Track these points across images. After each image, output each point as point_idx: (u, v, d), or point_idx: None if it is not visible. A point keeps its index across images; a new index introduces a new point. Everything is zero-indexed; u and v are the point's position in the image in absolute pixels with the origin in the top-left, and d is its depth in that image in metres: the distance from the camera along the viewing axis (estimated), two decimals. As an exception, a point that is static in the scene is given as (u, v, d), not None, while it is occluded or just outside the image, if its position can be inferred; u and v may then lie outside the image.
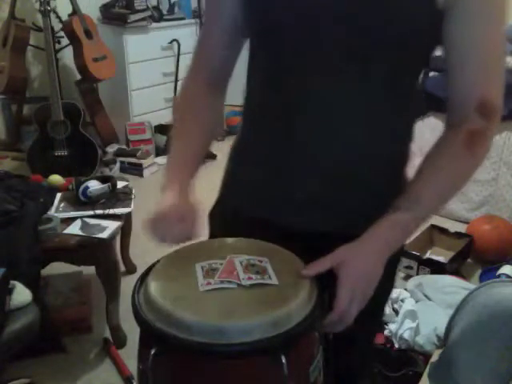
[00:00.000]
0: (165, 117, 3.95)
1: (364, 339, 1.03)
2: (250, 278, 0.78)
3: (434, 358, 1.69)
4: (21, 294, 1.59)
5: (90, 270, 2.12)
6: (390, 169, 0.92)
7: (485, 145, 0.84)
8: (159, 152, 3.94)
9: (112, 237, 1.98)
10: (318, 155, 0.88)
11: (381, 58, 0.81)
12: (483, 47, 0.80)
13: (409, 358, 1.87)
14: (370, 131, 0.86)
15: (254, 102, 0.96)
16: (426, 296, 2.22)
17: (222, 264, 0.82)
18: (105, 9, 3.87)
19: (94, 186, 2.12)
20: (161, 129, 3.96)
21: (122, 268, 2.42)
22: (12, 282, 1.60)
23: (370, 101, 0.84)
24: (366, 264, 0.80)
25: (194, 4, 4.33)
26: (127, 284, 1.82)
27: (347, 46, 0.81)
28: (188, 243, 0.89)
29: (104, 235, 1.94)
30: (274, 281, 0.78)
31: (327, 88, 0.84)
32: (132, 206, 2.16)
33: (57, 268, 2.18)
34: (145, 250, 2.44)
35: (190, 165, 0.94)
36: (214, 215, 1.04)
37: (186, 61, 3.63)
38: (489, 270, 2.53)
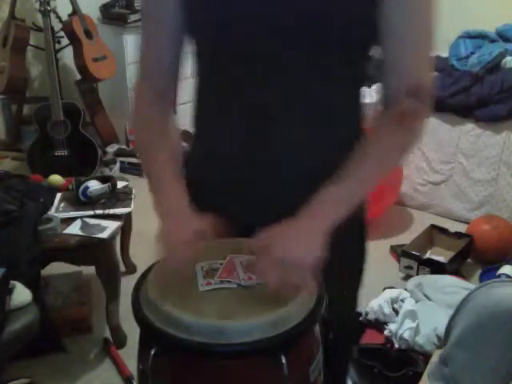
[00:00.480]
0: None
1: (343, 338, 1.03)
2: (250, 278, 0.78)
3: (434, 358, 1.69)
4: (21, 294, 1.60)
5: (90, 269, 2.13)
6: (346, 156, 0.94)
7: (417, 125, 0.90)
8: (159, 152, 3.93)
9: (112, 237, 1.98)
10: (276, 155, 0.90)
11: (327, 52, 0.85)
12: (415, 35, 0.86)
13: (409, 357, 1.87)
14: (325, 125, 0.90)
15: (205, 104, 0.97)
16: (426, 296, 2.22)
17: (222, 264, 0.82)
18: (105, 9, 3.87)
19: (94, 186, 2.12)
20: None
21: (122, 268, 2.42)
22: (12, 282, 1.60)
23: (322, 95, 0.88)
24: (301, 236, 0.78)
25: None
26: (127, 284, 1.82)
27: (294, 41, 0.84)
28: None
29: (104, 235, 1.94)
30: None
31: (278, 85, 0.87)
32: (132, 206, 2.16)
33: (57, 268, 2.18)
34: (145, 250, 2.44)
35: (177, 175, 0.92)
36: None
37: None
38: (489, 270, 2.53)
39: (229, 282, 0.78)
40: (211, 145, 0.97)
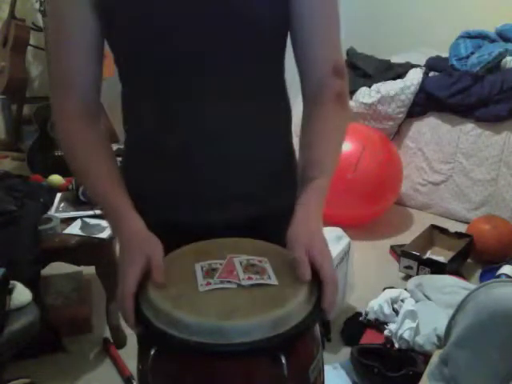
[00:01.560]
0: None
1: None
2: (249, 278, 0.78)
3: (434, 358, 1.69)
4: (21, 294, 1.59)
5: (90, 269, 2.12)
6: (282, 151, 1.02)
7: (347, 98, 0.97)
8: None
9: (112, 237, 1.98)
10: (217, 151, 0.93)
11: (243, 50, 0.89)
12: (326, 20, 0.93)
13: (409, 357, 1.87)
14: (258, 120, 0.95)
15: (132, 110, 0.98)
16: (426, 296, 2.22)
17: (221, 264, 0.82)
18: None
19: (94, 186, 2.12)
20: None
21: (122, 268, 2.42)
22: (12, 282, 1.60)
23: (246, 98, 0.93)
24: (321, 236, 0.83)
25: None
26: (127, 284, 1.82)
27: (211, 40, 0.87)
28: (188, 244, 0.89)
29: (104, 235, 1.94)
30: (274, 281, 0.78)
31: (201, 85, 0.90)
32: (132, 205, 2.15)
33: (57, 268, 2.18)
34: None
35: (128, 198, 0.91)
36: None
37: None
38: (489, 270, 2.53)
39: (229, 282, 0.78)
40: (146, 149, 0.98)
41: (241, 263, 0.82)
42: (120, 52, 0.92)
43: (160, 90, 0.91)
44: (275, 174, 1.01)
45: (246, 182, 0.97)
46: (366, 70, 3.30)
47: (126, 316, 0.77)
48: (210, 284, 0.77)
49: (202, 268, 0.81)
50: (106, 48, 0.94)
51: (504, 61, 2.99)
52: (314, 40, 0.92)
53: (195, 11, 0.85)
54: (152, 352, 0.73)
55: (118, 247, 0.86)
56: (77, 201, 2.12)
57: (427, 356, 1.83)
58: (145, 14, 0.85)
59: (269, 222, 0.97)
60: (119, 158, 0.96)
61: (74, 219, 2.03)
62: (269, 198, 1.00)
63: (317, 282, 0.80)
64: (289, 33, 0.94)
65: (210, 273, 0.80)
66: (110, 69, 3.36)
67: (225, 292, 0.76)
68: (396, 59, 3.41)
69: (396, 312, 2.12)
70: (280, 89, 0.99)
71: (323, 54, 0.93)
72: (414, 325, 1.99)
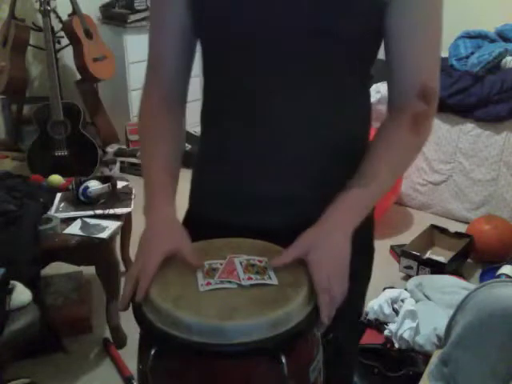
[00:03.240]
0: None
1: (349, 341, 1.04)
2: (250, 279, 0.78)
3: (434, 358, 1.69)
4: (21, 294, 1.60)
5: (90, 269, 2.13)
6: (350, 158, 0.95)
7: (427, 125, 0.91)
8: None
9: (112, 237, 1.98)
10: (277, 154, 0.90)
11: (335, 56, 0.85)
12: (423, 36, 0.86)
13: (409, 358, 1.87)
14: (328, 126, 0.90)
15: (212, 108, 0.97)
16: (426, 296, 2.22)
17: (222, 264, 0.82)
18: (105, 9, 3.87)
19: (94, 186, 2.12)
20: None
21: (122, 268, 2.42)
22: (12, 282, 1.61)
23: (325, 99, 0.89)
24: (332, 245, 0.81)
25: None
26: (127, 284, 1.82)
27: (301, 49, 0.84)
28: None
29: (104, 235, 1.94)
30: (274, 281, 0.78)
31: (283, 89, 0.87)
32: (132, 205, 2.16)
33: (57, 268, 2.18)
34: (145, 250, 2.44)
35: (173, 185, 0.92)
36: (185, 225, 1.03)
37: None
38: (489, 270, 2.53)
39: (229, 282, 0.78)
40: (218, 146, 0.97)
41: (241, 263, 0.81)
42: (206, 53, 0.93)
43: (237, 90, 0.90)
44: (340, 183, 0.95)
45: (302, 190, 0.93)
46: (366, 70, 3.30)
47: (140, 289, 0.77)
48: (211, 284, 0.77)
49: (202, 268, 0.81)
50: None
51: (504, 61, 2.99)
52: (408, 56, 0.87)
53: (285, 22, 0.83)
54: (152, 352, 0.73)
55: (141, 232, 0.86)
56: (77, 201, 2.12)
57: (427, 356, 1.83)
58: (233, 15, 0.85)
59: None
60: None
61: (74, 219, 2.03)
62: (319, 207, 0.94)
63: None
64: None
65: (210, 273, 0.80)
66: (110, 69, 3.41)
67: (225, 292, 0.76)
68: (396, 59, 3.41)
69: (396, 312, 2.12)
70: (361, 100, 0.96)
71: (413, 74, 0.89)
72: (414, 325, 1.99)
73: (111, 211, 2.07)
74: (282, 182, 0.92)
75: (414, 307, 2.07)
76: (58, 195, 2.20)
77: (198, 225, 0.95)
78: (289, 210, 0.93)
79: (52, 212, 2.06)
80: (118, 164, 3.66)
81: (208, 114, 0.99)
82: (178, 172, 0.95)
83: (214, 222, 0.95)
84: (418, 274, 2.50)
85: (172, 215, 0.87)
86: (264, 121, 0.89)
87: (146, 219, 0.87)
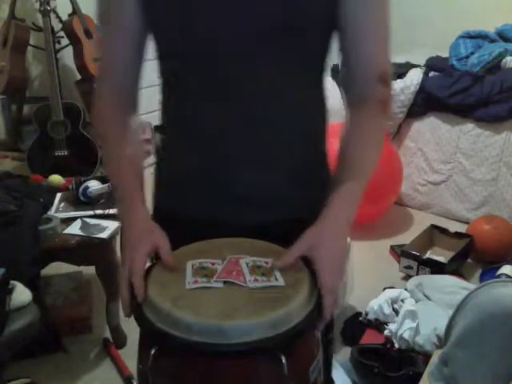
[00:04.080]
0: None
1: None
2: (256, 280, 0.78)
3: (434, 358, 1.69)
4: (21, 294, 1.60)
5: (90, 269, 2.12)
6: (316, 145, 1.00)
7: (390, 107, 0.96)
8: (159, 152, 3.93)
9: (112, 237, 1.98)
10: (250, 146, 0.92)
11: (290, 43, 0.87)
12: (376, 24, 0.91)
13: (409, 358, 1.87)
14: (293, 113, 0.93)
15: (176, 109, 0.98)
16: (426, 296, 2.22)
17: (213, 263, 0.82)
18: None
19: (94, 186, 2.12)
20: (161, 129, 3.96)
21: (122, 268, 2.42)
22: (12, 282, 1.60)
23: (288, 85, 0.91)
24: (334, 241, 0.83)
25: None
26: (127, 284, 1.82)
27: (257, 43, 0.86)
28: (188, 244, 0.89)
29: (104, 235, 1.94)
30: (281, 282, 0.78)
31: (247, 77, 0.89)
32: (132, 205, 2.15)
33: (57, 268, 2.18)
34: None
35: (142, 186, 0.94)
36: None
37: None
38: (489, 270, 2.53)
39: (224, 282, 0.78)
40: (185, 143, 0.98)
41: (247, 264, 0.81)
42: (161, 49, 0.93)
43: (197, 85, 0.91)
44: (307, 174, 0.99)
45: (279, 183, 0.95)
46: (366, 70, 3.30)
47: (137, 289, 0.78)
48: (197, 282, 0.78)
49: (192, 266, 0.82)
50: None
51: (504, 61, 2.99)
52: (364, 45, 0.91)
53: (238, 11, 0.85)
54: (152, 352, 0.73)
55: (118, 245, 0.88)
56: (77, 201, 2.12)
57: (427, 356, 1.83)
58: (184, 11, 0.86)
59: (299, 224, 0.95)
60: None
61: (74, 219, 2.03)
62: (301, 199, 0.97)
63: (317, 282, 0.80)
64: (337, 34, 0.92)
65: (199, 271, 0.80)
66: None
67: (225, 292, 0.76)
68: (396, 59, 3.41)
69: (396, 312, 2.12)
70: (320, 88, 0.98)
71: (371, 61, 0.92)
72: (414, 325, 1.99)
73: (111, 211, 2.07)
74: (259, 174, 0.93)
75: (413, 307, 2.07)
76: (58, 195, 2.20)
77: (167, 221, 0.95)
78: (266, 203, 0.95)
79: (52, 212, 2.06)
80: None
81: (171, 115, 1.00)
82: (143, 172, 0.97)
83: (184, 217, 0.96)
84: (418, 273, 2.50)
85: (148, 216, 0.89)
86: (237, 118, 0.90)
87: (124, 223, 0.89)
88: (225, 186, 0.94)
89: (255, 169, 0.93)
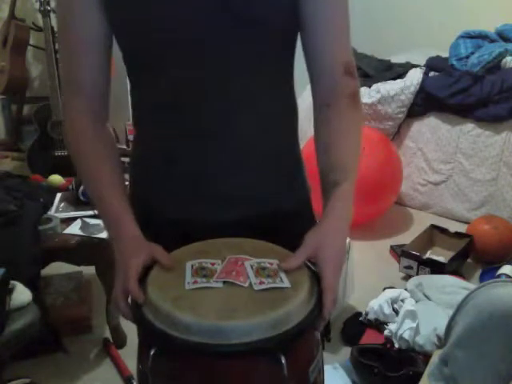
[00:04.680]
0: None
1: None
2: (261, 283, 0.78)
3: (434, 358, 1.69)
4: (21, 294, 1.60)
5: (90, 269, 2.12)
6: (289, 144, 1.01)
7: (360, 98, 0.96)
8: (159, 152, 3.94)
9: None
10: (226, 152, 0.92)
11: (252, 39, 0.87)
12: (336, 20, 0.92)
13: (409, 358, 1.87)
14: (263, 122, 0.94)
15: (141, 110, 0.97)
16: (426, 296, 2.22)
17: (213, 264, 0.82)
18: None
19: (93, 185, 2.12)
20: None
21: (122, 268, 2.42)
22: (12, 282, 1.60)
23: (258, 93, 0.92)
24: (337, 241, 0.84)
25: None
26: (127, 284, 1.82)
27: (220, 37, 0.86)
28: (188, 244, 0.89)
29: (104, 235, 1.94)
30: (286, 284, 0.78)
31: (219, 81, 0.89)
32: (132, 205, 2.15)
33: (57, 268, 2.18)
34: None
35: (128, 201, 0.92)
36: None
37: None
38: (489, 270, 2.53)
39: (224, 282, 0.78)
40: (155, 147, 0.97)
41: (252, 267, 0.81)
42: (124, 48, 0.92)
43: (162, 85, 0.90)
44: (285, 173, 1.00)
45: (256, 181, 0.96)
46: (366, 70, 3.30)
47: (135, 295, 0.77)
48: (197, 282, 0.78)
49: (192, 266, 0.81)
50: (112, 50, 0.93)
51: (504, 61, 2.98)
52: (326, 41, 0.91)
53: (194, 5, 0.84)
54: (152, 352, 0.73)
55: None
56: (77, 201, 2.12)
57: (427, 356, 1.83)
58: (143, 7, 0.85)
59: (278, 223, 0.96)
60: (125, 159, 0.97)
61: (74, 219, 2.03)
62: (278, 197, 0.98)
63: (317, 283, 0.80)
64: (299, 35, 0.93)
65: (199, 271, 0.80)
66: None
67: (225, 292, 0.76)
68: (396, 59, 3.41)
69: (396, 312, 2.12)
70: (288, 89, 0.98)
71: (335, 55, 0.92)
72: (414, 325, 1.99)
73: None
74: (235, 174, 0.94)
75: (414, 307, 2.07)
76: (58, 195, 2.20)
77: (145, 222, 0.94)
78: (243, 204, 0.95)
79: (52, 212, 2.06)
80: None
81: (140, 117, 0.99)
82: (125, 186, 0.95)
83: (170, 219, 0.96)
84: (418, 273, 2.50)
85: (138, 232, 0.87)
86: (206, 120, 0.90)
87: (116, 244, 0.87)
88: (201, 185, 0.94)
89: (232, 168, 0.94)
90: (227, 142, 0.92)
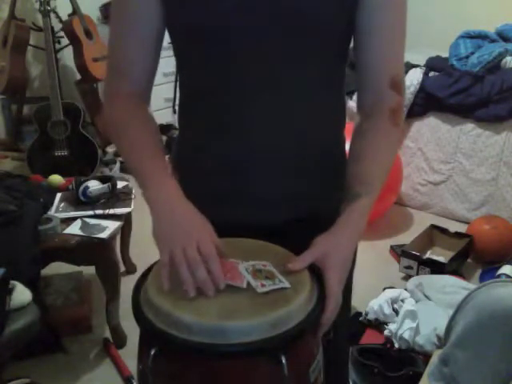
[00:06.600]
0: (165, 117, 3.94)
1: (342, 331, 1.05)
2: (263, 285, 0.77)
3: (434, 358, 1.69)
4: (21, 294, 1.60)
5: (90, 269, 2.12)
6: (334, 151, 1.00)
7: (402, 115, 0.95)
8: (159, 152, 3.93)
9: (112, 237, 1.98)
10: (268, 150, 0.91)
11: (310, 49, 0.87)
12: (391, 31, 0.91)
13: (409, 358, 1.87)
14: (313, 118, 0.93)
15: (192, 107, 0.97)
16: (426, 296, 2.22)
17: (264, 265, 0.81)
18: (105, 9, 3.87)
19: (94, 186, 2.12)
20: (161, 128, 3.97)
21: (122, 268, 2.42)
22: (12, 282, 1.60)
23: (309, 91, 0.91)
24: (346, 252, 0.84)
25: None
26: (127, 284, 1.82)
27: (280, 41, 0.85)
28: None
29: (104, 235, 1.94)
30: (287, 284, 0.78)
31: (268, 82, 0.88)
32: (132, 205, 2.16)
33: (57, 268, 2.18)
34: (145, 250, 2.43)
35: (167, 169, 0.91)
36: None
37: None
38: (489, 270, 2.53)
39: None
40: (199, 142, 0.97)
41: (247, 270, 0.80)
42: (178, 39, 0.92)
43: (213, 83, 0.90)
44: (327, 174, 0.99)
45: (298, 182, 0.95)
46: (366, 70, 3.30)
47: (216, 273, 0.75)
48: (265, 286, 0.77)
49: (246, 270, 0.80)
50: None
51: (504, 61, 2.98)
52: (379, 50, 0.90)
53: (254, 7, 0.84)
54: (152, 352, 0.73)
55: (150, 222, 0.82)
56: (77, 201, 2.12)
57: (427, 356, 1.83)
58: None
59: (319, 224, 0.93)
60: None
61: (74, 219, 2.03)
62: (319, 199, 0.98)
63: (318, 283, 0.80)
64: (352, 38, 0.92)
65: (257, 273, 0.79)
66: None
67: (225, 292, 0.76)
68: (396, 59, 3.41)
69: (396, 312, 2.12)
70: (338, 87, 0.97)
71: (385, 65, 0.91)
72: (414, 325, 1.99)
73: (111, 211, 2.07)
74: (273, 177, 0.93)
75: (414, 307, 2.07)
76: (58, 195, 2.20)
77: None
78: (280, 206, 0.95)
79: (52, 212, 2.06)
80: (118, 164, 3.65)
81: (187, 113, 0.99)
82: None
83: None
84: (418, 273, 2.50)
85: (181, 192, 0.85)
86: (246, 115, 0.90)
87: (159, 204, 0.83)
88: (241, 186, 0.94)
89: (274, 169, 0.93)
90: (270, 141, 0.91)
